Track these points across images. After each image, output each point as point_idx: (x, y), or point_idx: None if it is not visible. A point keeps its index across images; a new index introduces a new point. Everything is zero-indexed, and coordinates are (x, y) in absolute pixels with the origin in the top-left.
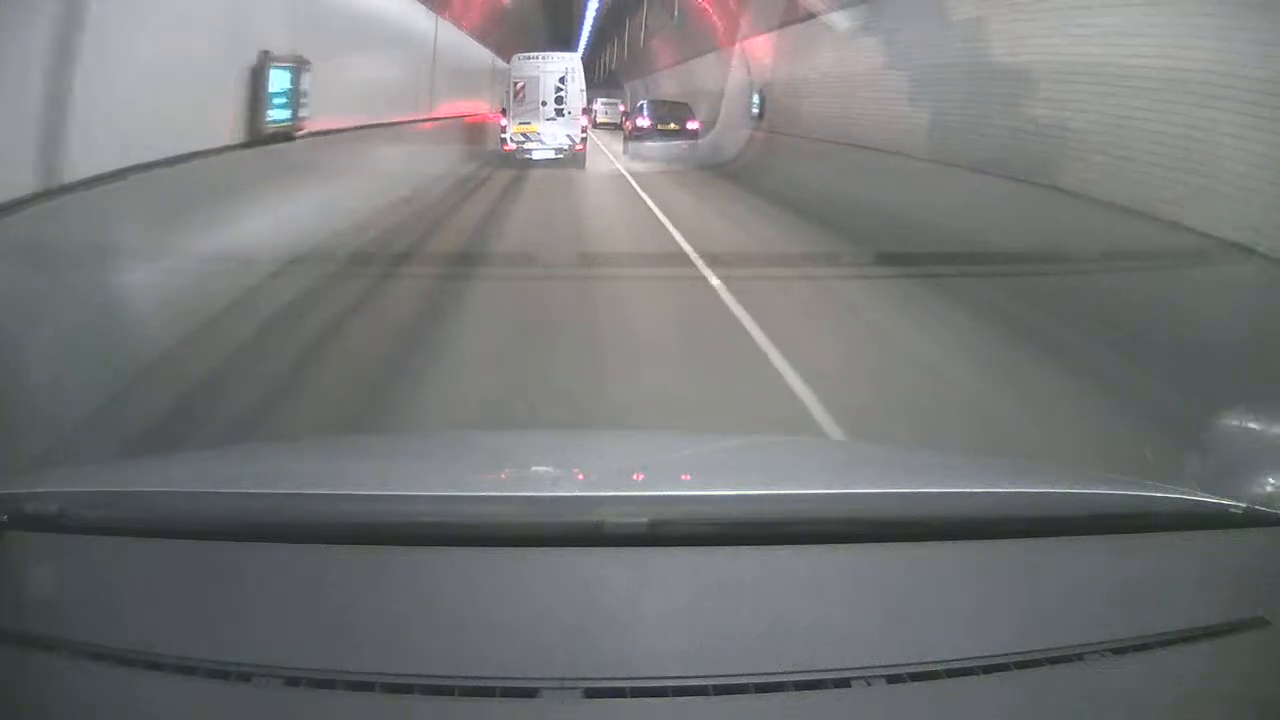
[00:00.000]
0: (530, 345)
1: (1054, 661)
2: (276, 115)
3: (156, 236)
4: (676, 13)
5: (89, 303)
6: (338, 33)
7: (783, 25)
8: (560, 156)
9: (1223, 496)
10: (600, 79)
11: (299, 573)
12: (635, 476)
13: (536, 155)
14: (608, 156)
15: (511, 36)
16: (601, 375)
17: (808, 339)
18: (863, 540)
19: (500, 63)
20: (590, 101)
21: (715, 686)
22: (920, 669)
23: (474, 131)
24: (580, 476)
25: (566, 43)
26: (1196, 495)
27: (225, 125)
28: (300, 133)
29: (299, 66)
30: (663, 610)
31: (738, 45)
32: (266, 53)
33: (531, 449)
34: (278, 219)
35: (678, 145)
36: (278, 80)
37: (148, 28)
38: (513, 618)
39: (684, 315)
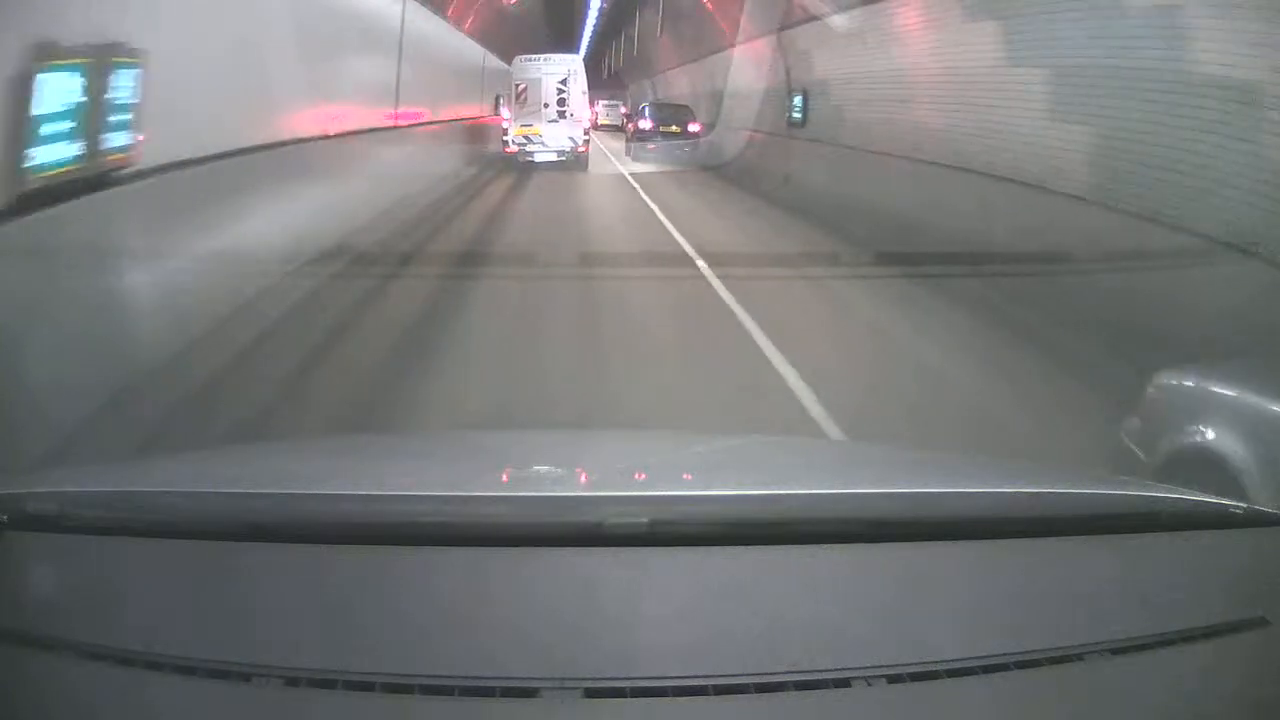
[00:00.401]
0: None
1: (1054, 661)
2: (49, 157)
3: None
4: (690, 3)
5: None
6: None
7: (844, 8)
8: (563, 159)
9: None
10: (604, 79)
11: (299, 573)
12: (635, 476)
13: (539, 158)
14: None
15: (507, 30)
16: (618, 399)
17: None
18: (863, 540)
19: (493, 60)
20: (591, 103)
21: (715, 686)
22: (920, 669)
23: (459, 140)
24: (580, 476)
25: (567, 40)
26: (1196, 495)
27: None
28: (126, 169)
29: (105, 61)
30: (663, 610)
31: (772, 37)
32: (45, 45)
33: (531, 449)
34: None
35: (681, 149)
36: (58, 89)
37: None
38: (513, 618)
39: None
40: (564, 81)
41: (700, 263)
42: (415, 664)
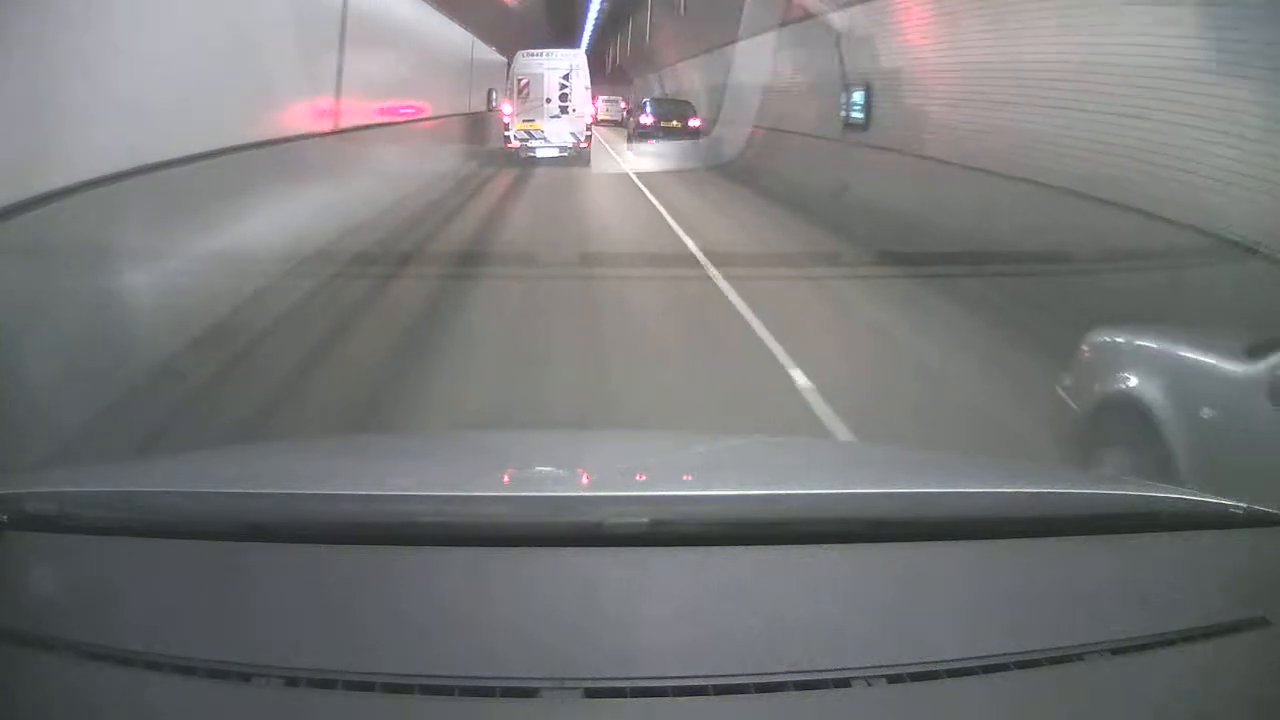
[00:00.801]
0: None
1: (1054, 661)
2: None
3: None
4: None
5: None
6: None
7: None
8: (565, 155)
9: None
10: (607, 74)
11: (299, 573)
12: (636, 476)
13: (540, 153)
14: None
15: (500, 15)
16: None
17: None
18: (863, 540)
19: (484, 49)
20: (593, 98)
21: (715, 686)
22: (920, 669)
23: (431, 143)
24: (581, 477)
25: (569, 31)
26: (1196, 495)
27: None
28: None
29: None
30: (663, 610)
31: (819, 20)
32: None
33: (532, 449)
34: None
35: (686, 146)
36: None
37: None
38: (513, 618)
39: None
40: (566, 77)
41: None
42: (415, 664)
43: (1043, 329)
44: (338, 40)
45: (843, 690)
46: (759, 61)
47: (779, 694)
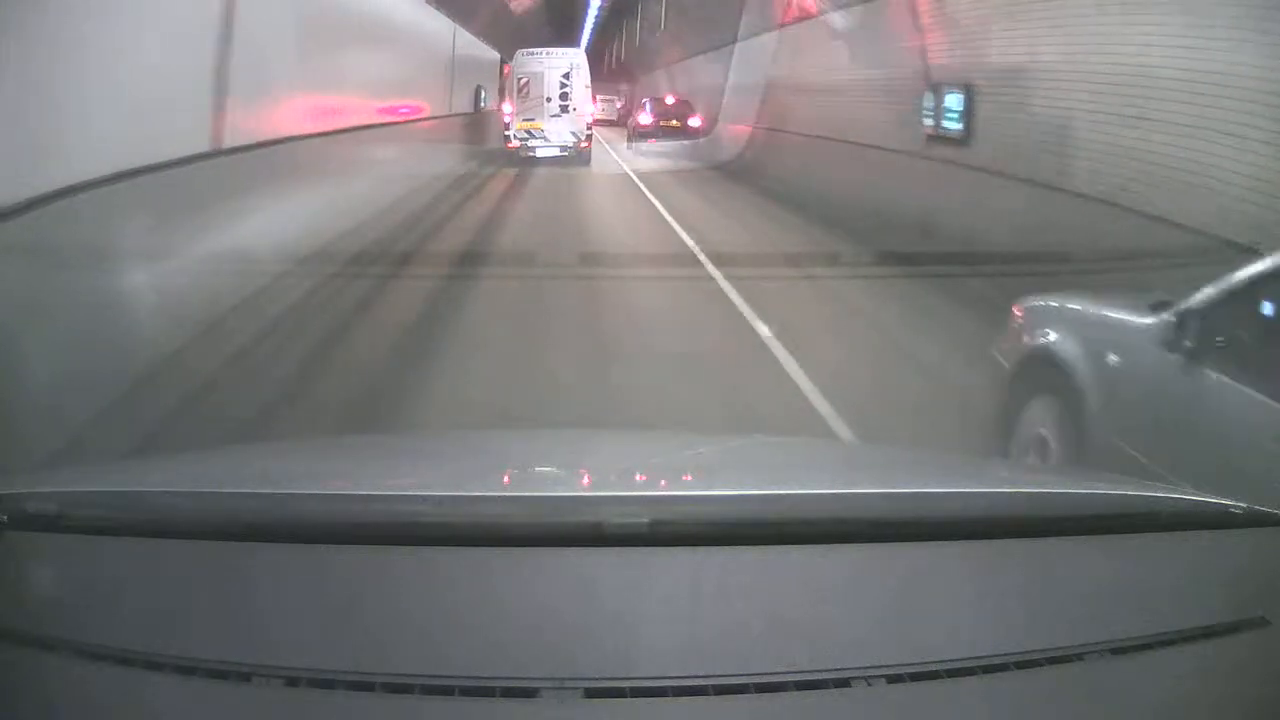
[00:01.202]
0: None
1: (1054, 661)
2: None
3: None
4: None
5: None
6: None
7: None
8: (565, 154)
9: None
10: (604, 73)
11: (299, 573)
12: (636, 476)
13: (541, 153)
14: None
15: (494, 13)
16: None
17: None
18: (863, 540)
19: (468, 39)
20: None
21: (715, 686)
22: (920, 669)
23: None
24: (581, 477)
25: (567, 26)
26: (1196, 495)
27: None
28: None
29: None
30: (663, 610)
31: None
32: None
33: (532, 449)
34: None
35: (686, 146)
36: None
37: None
38: (513, 618)
39: None
40: (567, 76)
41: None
42: (415, 664)
43: None
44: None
45: (843, 690)
46: (799, 56)
47: (779, 694)
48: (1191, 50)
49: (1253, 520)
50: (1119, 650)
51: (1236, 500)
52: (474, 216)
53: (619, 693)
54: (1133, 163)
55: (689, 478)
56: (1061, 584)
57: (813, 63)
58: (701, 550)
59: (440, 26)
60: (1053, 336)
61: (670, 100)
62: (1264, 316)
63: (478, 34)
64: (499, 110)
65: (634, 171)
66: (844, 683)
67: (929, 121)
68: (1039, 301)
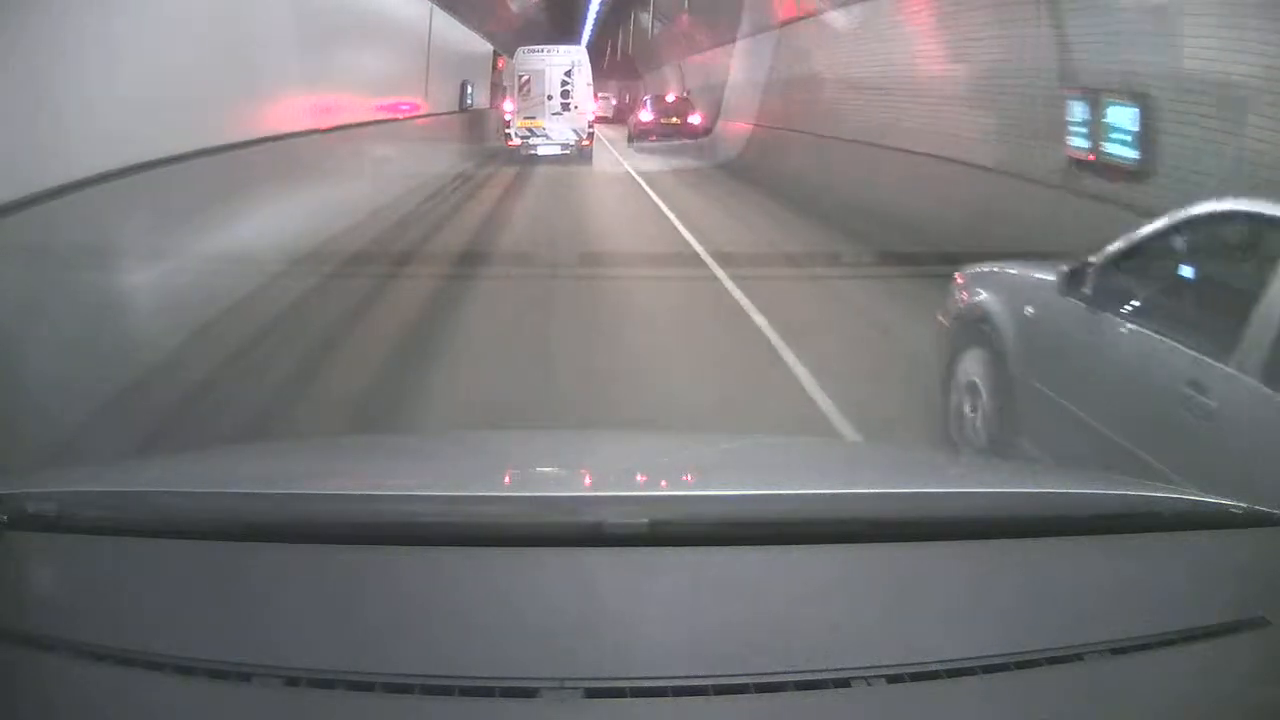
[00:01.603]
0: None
1: (1054, 661)
2: None
3: None
4: None
5: None
6: None
7: None
8: (566, 152)
9: (1222, 496)
10: (604, 68)
11: (299, 573)
12: (636, 476)
13: (542, 151)
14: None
15: (490, 7)
16: None
17: None
18: (863, 540)
19: (447, 22)
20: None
21: (715, 686)
22: (920, 669)
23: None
24: (581, 477)
25: (568, 18)
26: (1196, 495)
27: None
28: None
29: None
30: (663, 610)
31: None
32: None
33: (532, 449)
34: None
35: (688, 146)
36: None
37: None
38: (513, 617)
39: None
40: (568, 73)
41: None
42: (415, 664)
43: None
44: None
45: (843, 690)
46: (861, 45)
47: (779, 694)
48: None
49: (1253, 520)
50: (1119, 650)
51: (1237, 500)
52: (473, 216)
53: (619, 693)
54: None
55: (689, 478)
56: (1061, 584)
57: (881, 58)
58: (701, 550)
59: (413, 9)
60: (982, 295)
61: (670, 98)
62: (1153, 267)
63: (467, 25)
64: (496, 109)
65: (636, 170)
66: (844, 683)
67: (1080, 142)
68: (978, 269)
